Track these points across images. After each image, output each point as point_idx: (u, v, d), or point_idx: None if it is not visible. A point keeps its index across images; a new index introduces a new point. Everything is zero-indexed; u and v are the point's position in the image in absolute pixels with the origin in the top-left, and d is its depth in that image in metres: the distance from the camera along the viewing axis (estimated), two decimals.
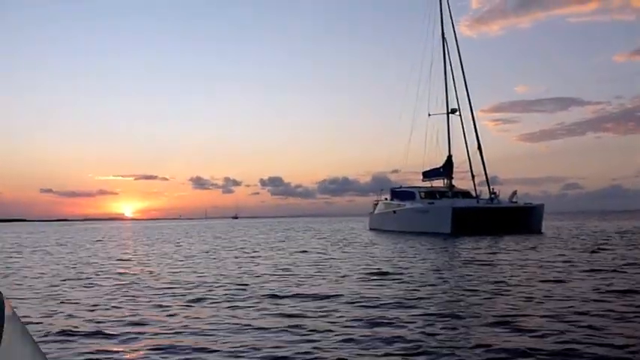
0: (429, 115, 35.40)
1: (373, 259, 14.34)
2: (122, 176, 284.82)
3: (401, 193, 36.57)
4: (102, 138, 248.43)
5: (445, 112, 34.79)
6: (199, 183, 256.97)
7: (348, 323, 6.03)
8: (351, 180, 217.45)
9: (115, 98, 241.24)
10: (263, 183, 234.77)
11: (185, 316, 6.71)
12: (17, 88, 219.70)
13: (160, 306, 7.54)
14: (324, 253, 16.85)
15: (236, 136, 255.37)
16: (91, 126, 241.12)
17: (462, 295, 7.80)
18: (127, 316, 6.77)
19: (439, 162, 34.88)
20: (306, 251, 18.03)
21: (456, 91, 33.64)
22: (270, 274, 11.09)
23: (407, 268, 11.61)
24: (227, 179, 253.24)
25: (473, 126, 32.05)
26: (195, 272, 12.03)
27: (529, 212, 28.99)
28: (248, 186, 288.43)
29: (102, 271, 12.77)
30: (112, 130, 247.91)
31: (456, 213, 27.44)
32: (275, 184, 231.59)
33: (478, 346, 4.95)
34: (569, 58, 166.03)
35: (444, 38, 35.16)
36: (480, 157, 31.45)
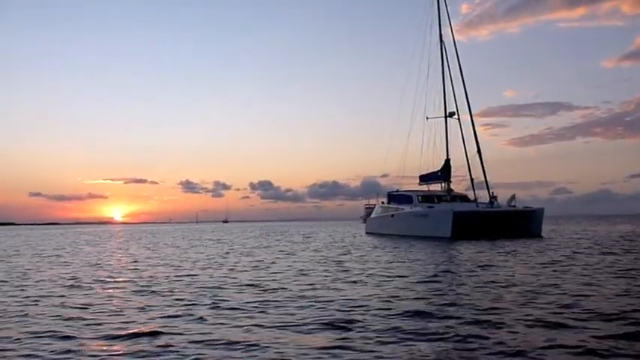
0: (427, 118, 35.48)
1: (385, 263, 14.26)
2: (111, 180, 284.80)
3: (398, 197, 36.60)
4: (91, 142, 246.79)
5: (443, 115, 34.79)
6: (189, 187, 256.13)
7: (400, 324, 6.00)
8: (341, 184, 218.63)
9: (105, 102, 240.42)
10: (253, 187, 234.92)
11: (222, 318, 6.64)
12: (6, 90, 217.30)
13: (213, 307, 7.46)
14: (335, 257, 16.72)
15: (226, 139, 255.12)
16: (81, 129, 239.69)
17: (494, 297, 7.81)
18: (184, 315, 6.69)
19: (436, 165, 34.98)
20: (316, 256, 17.79)
21: (454, 94, 33.69)
22: (296, 279, 10.95)
23: (421, 272, 11.57)
24: (217, 183, 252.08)
25: (472, 129, 32.10)
26: (212, 276, 11.88)
27: (529, 216, 29.15)
28: (238, 190, 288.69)
29: (119, 273, 12.61)
30: (102, 134, 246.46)
31: (457, 217, 27.50)
32: (265, 187, 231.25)
33: (534, 347, 4.94)
34: (558, 63, 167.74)
35: (441, 41, 35.27)
36: (479, 161, 31.47)
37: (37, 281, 11.39)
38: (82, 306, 7.80)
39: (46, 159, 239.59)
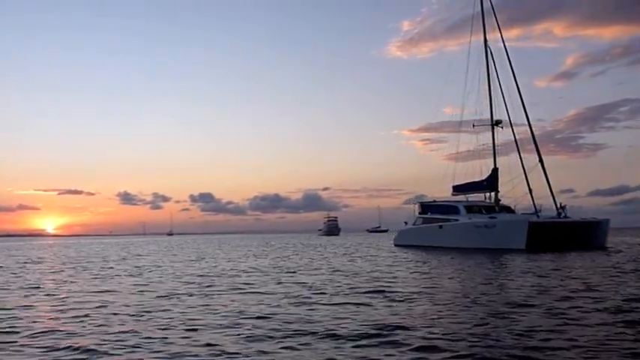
0: (473, 126, 34.51)
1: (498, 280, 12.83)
2: (44, 191, 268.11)
3: (439, 208, 35.39)
4: (22, 150, 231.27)
5: (490, 123, 33.83)
6: (127, 198, 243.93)
7: None
8: (282, 197, 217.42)
9: (37, 109, 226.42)
10: (193, 199, 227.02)
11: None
12: None
13: None
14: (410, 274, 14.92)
15: (165, 150, 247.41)
16: (11, 137, 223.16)
17: None
18: None
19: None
20: (392, 273, 15.45)
21: (505, 101, 32.81)
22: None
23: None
24: (156, 195, 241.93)
25: (532, 138, 31.13)
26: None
27: (596, 227, 28.52)
28: (178, 202, 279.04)
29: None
30: (34, 142, 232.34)
31: (532, 227, 26.47)
32: (205, 200, 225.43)
33: None
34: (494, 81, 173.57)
35: (486, 46, 34.37)
36: (542, 171, 30.45)
37: None
38: None
39: None
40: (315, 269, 17.46)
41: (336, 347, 5.75)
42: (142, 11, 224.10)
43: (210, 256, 27.76)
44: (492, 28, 33.89)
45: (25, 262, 24.38)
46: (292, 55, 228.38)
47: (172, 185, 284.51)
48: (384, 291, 10.59)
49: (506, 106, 32.87)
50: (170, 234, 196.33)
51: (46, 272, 18.00)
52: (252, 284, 12.57)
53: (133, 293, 11.11)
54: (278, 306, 8.78)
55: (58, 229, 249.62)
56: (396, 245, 38.65)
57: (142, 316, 8.00)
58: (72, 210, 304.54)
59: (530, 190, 31.21)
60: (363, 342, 5.92)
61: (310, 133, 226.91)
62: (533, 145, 31.37)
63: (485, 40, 34.67)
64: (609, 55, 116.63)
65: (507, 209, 33.23)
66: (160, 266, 20.05)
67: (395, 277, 13.69)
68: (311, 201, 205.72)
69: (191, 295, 10.48)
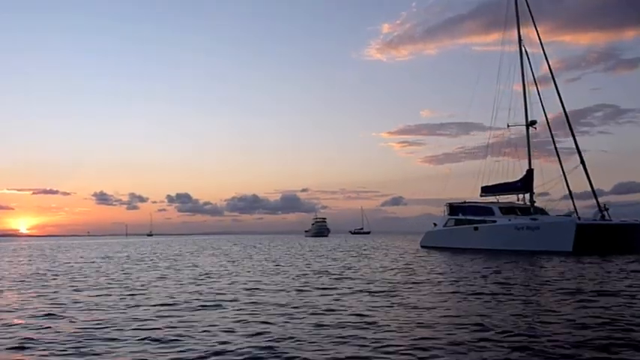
0: (508, 126, 34.56)
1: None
2: (18, 190, 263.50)
3: (471, 209, 35.17)
4: None
5: (524, 123, 33.80)
6: (103, 198, 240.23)
7: None
8: (261, 198, 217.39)
9: (13, 107, 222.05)
10: (170, 199, 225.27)
11: None
12: None
13: None
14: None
15: (141, 150, 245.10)
16: None
17: None
18: None
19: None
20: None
21: (541, 99, 32.76)
22: None
23: None
24: (132, 195, 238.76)
25: (573, 140, 31.08)
26: None
27: None
28: (155, 202, 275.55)
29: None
30: (8, 141, 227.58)
31: (580, 229, 26.39)
32: (183, 200, 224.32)
33: None
34: (472, 84, 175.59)
35: (520, 44, 34.42)
36: (584, 172, 30.38)
37: None
38: None
39: None
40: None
41: None
42: (122, 13, 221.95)
43: (257, 260, 27.15)
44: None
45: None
46: (271, 56, 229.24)
47: (149, 185, 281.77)
48: None
49: (543, 106, 32.85)
50: (150, 235, 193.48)
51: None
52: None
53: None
54: None
55: (32, 229, 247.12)
56: (422, 247, 38.30)
57: None
58: (47, 210, 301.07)
59: (570, 192, 31.19)
60: None
61: (289, 134, 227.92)
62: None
63: (520, 39, 34.63)
64: (585, 61, 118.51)
65: (542, 211, 33.15)
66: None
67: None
68: (289, 202, 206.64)
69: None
